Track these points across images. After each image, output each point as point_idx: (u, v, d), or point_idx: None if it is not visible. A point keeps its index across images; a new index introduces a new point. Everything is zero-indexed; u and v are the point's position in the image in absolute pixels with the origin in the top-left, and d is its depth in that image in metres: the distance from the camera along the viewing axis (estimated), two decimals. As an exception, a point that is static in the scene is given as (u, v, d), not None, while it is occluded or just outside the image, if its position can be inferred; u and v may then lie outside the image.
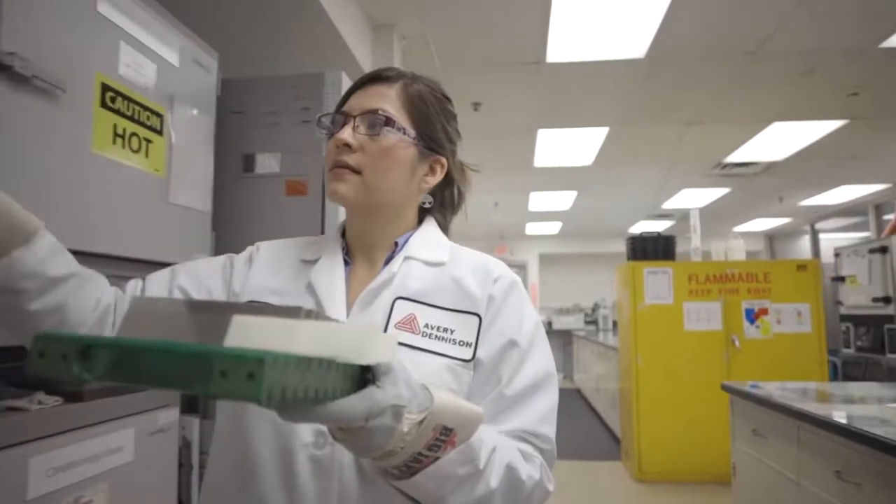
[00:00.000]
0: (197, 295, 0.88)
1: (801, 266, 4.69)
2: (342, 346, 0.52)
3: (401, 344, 0.78)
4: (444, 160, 0.92)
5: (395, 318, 0.83)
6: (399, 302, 0.84)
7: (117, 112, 1.27)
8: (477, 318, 0.84)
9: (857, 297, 6.46)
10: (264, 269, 0.90)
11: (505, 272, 0.90)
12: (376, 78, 0.89)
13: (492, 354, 0.83)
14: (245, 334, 0.47)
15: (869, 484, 1.64)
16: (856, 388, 2.73)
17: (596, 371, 7.49)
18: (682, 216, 8.86)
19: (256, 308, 0.53)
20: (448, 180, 0.95)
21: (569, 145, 5.27)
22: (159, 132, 1.41)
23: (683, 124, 4.72)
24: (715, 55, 3.47)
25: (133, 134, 1.32)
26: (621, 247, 5.30)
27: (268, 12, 2.47)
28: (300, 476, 0.75)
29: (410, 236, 0.92)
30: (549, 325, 11.49)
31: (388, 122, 0.84)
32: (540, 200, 7.82)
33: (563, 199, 7.78)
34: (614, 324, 6.63)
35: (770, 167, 6.04)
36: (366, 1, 2.91)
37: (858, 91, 3.96)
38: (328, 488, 0.75)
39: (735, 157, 5.67)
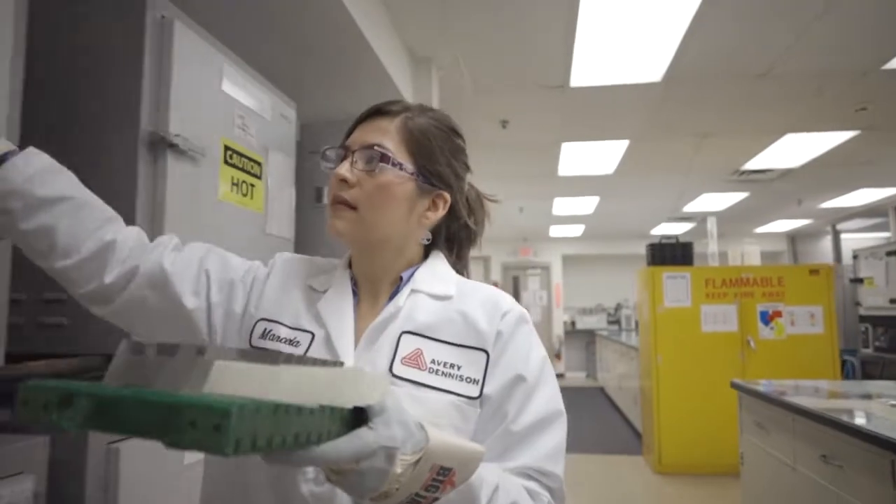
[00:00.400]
0: (218, 284, 0.88)
1: (814, 270, 4.92)
2: (324, 391, 0.52)
3: (406, 380, 0.77)
4: (446, 195, 0.89)
5: (401, 353, 0.80)
6: (405, 336, 0.81)
7: (234, 166, 1.62)
8: (485, 355, 0.82)
9: (875, 299, 6.66)
10: (279, 286, 0.90)
11: (513, 307, 0.87)
12: (378, 112, 0.88)
13: (498, 390, 0.80)
14: (225, 381, 0.46)
15: (849, 466, 1.93)
16: (869, 386, 2.94)
17: (618, 370, 7.75)
18: (703, 219, 9.01)
19: (247, 353, 0.57)
20: (454, 215, 0.92)
21: (591, 156, 5.55)
22: (259, 177, 1.76)
23: (699, 137, 4.99)
24: (727, 78, 3.74)
25: (243, 181, 1.67)
26: (643, 248, 5.55)
27: (318, 51, 2.80)
28: None
29: (416, 270, 0.89)
30: (572, 324, 11.77)
31: (384, 158, 0.82)
32: (563, 205, 8.10)
33: (585, 204, 8.05)
34: (636, 324, 6.88)
35: (786, 173, 6.25)
36: (407, 37, 3.25)
37: (867, 106, 4.19)
38: None
39: (751, 164, 5.89)
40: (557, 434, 0.81)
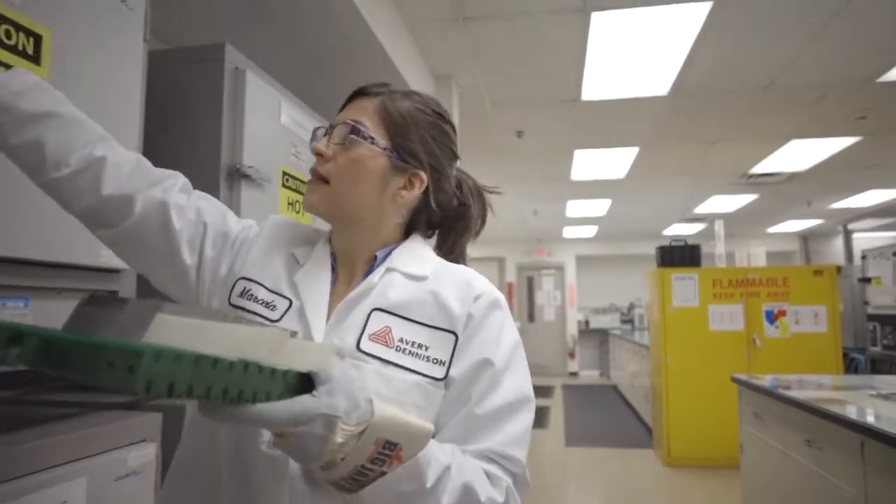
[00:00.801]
0: (212, 239, 0.88)
1: (818, 271, 5.11)
2: (268, 355, 0.54)
3: (373, 356, 0.77)
4: (422, 175, 0.88)
5: (369, 330, 0.80)
6: (375, 313, 0.81)
7: (290, 188, 1.90)
8: (454, 337, 0.81)
9: (883, 298, 6.84)
10: (265, 249, 0.89)
11: (487, 290, 0.86)
12: (360, 92, 0.90)
13: (464, 372, 0.80)
14: (162, 333, 0.47)
15: (828, 448, 2.17)
16: (870, 380, 3.13)
17: (630, 368, 7.96)
18: (713, 219, 9.23)
19: (207, 312, 0.62)
20: (438, 202, 0.92)
21: (603, 162, 5.79)
22: (308, 196, 2.04)
23: (707, 144, 5.21)
24: (731, 90, 3.97)
25: (296, 201, 1.95)
26: (655, 248, 5.74)
27: (352, 75, 3.07)
28: (255, 472, 0.74)
29: (392, 249, 0.89)
30: (586, 324, 11.98)
31: (355, 131, 0.83)
32: (576, 207, 8.32)
33: (598, 206, 8.27)
34: (649, 322, 7.11)
35: (794, 176, 6.43)
36: (430, 58, 3.51)
37: (866, 115, 4.39)
38: (279, 487, 0.73)
39: (759, 168, 6.08)
40: (523, 420, 0.80)
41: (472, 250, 1.01)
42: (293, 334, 0.63)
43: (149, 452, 1.09)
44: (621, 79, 3.79)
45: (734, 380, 3.20)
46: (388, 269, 0.85)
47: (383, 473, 0.61)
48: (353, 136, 0.83)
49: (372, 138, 0.83)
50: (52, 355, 0.46)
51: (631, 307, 11.62)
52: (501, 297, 0.87)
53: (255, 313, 0.82)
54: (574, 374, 11.62)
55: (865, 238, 9.37)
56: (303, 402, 0.56)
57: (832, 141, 5.13)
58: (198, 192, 0.91)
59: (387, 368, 0.77)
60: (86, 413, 1.10)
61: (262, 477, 0.74)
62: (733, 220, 9.33)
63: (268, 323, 0.79)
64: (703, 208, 8.42)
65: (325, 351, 0.66)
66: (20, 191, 0.89)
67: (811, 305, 5.02)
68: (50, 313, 1.05)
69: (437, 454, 0.69)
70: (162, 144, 1.63)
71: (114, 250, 0.89)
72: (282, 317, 0.82)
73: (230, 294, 0.85)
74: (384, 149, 0.84)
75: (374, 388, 0.72)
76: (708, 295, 5.11)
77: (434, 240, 1.00)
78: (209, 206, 0.90)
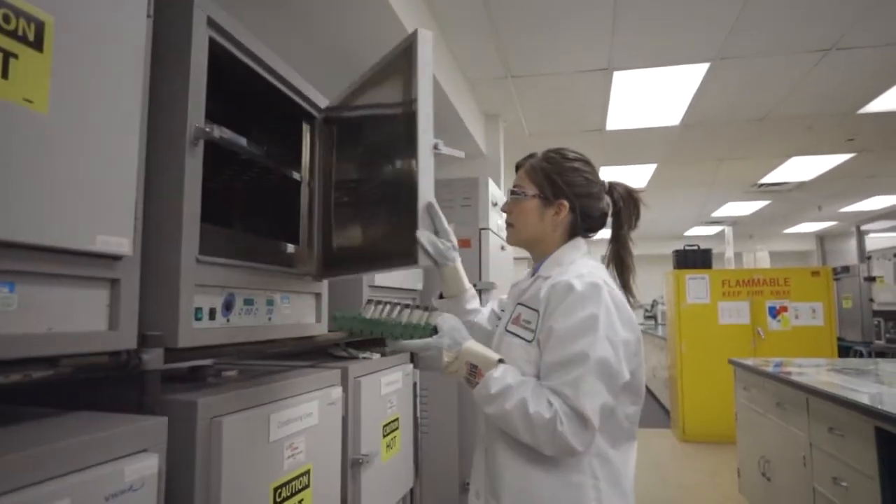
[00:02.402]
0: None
1: (815, 272, 5.83)
2: (420, 320, 1.30)
3: (512, 333, 1.27)
4: (564, 202, 1.30)
5: (513, 317, 1.29)
6: (518, 306, 1.30)
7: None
8: (537, 313, 1.22)
9: (886, 295, 7.47)
10: None
11: (561, 279, 1.19)
12: (517, 167, 1.41)
13: (541, 337, 1.19)
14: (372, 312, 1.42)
15: (791, 407, 2.95)
16: (855, 363, 3.77)
17: (652, 360, 8.69)
18: (731, 222, 9.90)
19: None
20: (585, 212, 1.32)
21: (625, 176, 6.56)
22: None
23: (717, 161, 5.95)
24: (732, 122, 4.73)
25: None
26: (676, 248, 6.42)
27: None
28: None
29: (544, 261, 1.32)
30: (611, 319, 12.60)
31: (514, 193, 1.34)
32: (602, 213, 9.04)
33: (622, 212, 8.98)
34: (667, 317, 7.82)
35: (801, 185, 7.10)
36: (482, 102, 4.33)
37: (853, 138, 5.09)
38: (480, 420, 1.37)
39: (767, 179, 6.77)
40: (577, 371, 1.09)
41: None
42: (432, 310, 1.38)
43: (150, 465, 0.99)
44: (639, 115, 4.58)
45: (731, 362, 3.97)
46: (537, 277, 1.32)
47: (477, 382, 1.15)
48: (514, 196, 1.36)
49: (524, 192, 1.34)
50: (364, 327, 1.37)
51: (654, 304, 12.22)
52: (579, 283, 1.15)
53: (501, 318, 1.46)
54: (600, 367, 12.27)
55: (879, 238, 9.90)
56: (426, 340, 1.19)
57: (830, 157, 5.82)
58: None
59: (510, 337, 1.27)
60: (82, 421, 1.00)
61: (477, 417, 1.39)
62: (751, 223, 9.98)
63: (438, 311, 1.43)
64: (720, 212, 9.09)
65: (448, 318, 1.24)
66: (8, 169, 0.85)
67: (810, 302, 5.73)
68: (39, 299, 0.93)
69: (505, 376, 1.13)
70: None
71: None
72: (502, 319, 1.42)
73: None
74: (533, 195, 1.33)
75: (506, 350, 1.25)
76: (718, 293, 5.86)
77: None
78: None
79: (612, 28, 3.14)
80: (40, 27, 0.93)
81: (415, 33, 1.36)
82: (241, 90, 1.70)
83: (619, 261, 1.33)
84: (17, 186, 0.88)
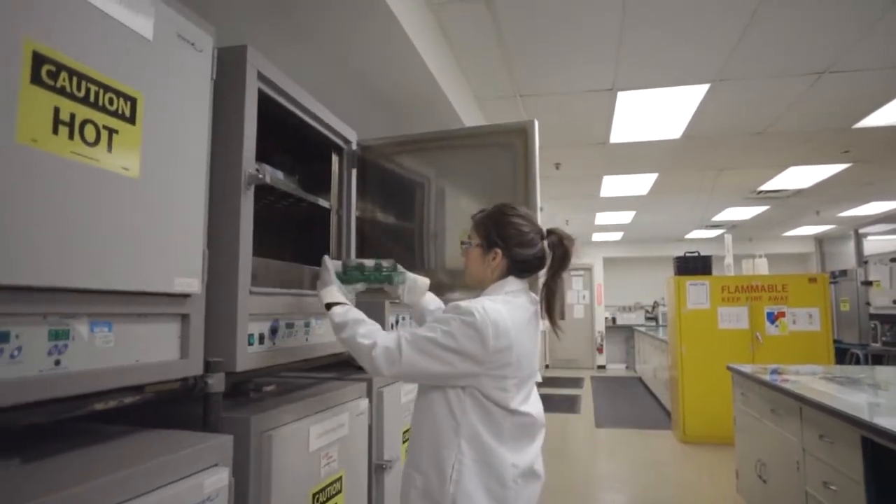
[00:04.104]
0: None
1: (812, 279, 5.98)
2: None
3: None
4: (497, 251, 1.55)
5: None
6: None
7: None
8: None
9: (883, 299, 7.63)
10: None
11: (461, 303, 1.45)
12: (472, 219, 1.67)
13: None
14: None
15: (784, 412, 3.11)
16: (850, 370, 3.94)
17: (653, 362, 8.87)
18: (730, 226, 10.07)
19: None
20: (515, 258, 1.55)
21: (628, 183, 6.72)
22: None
23: (716, 170, 6.10)
24: (732, 135, 4.88)
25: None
26: (677, 250, 6.60)
27: (431, 126, 4.03)
28: None
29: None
30: (612, 321, 12.87)
31: (462, 242, 1.67)
32: (604, 217, 9.24)
33: (623, 216, 9.17)
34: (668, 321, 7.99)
35: (799, 192, 7.25)
36: (490, 118, 4.48)
37: (849, 150, 5.24)
38: None
39: (766, 186, 6.92)
40: (425, 335, 1.43)
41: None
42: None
43: (222, 477, 1.16)
44: (642, 129, 4.73)
45: (729, 368, 4.13)
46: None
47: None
48: (462, 245, 1.68)
49: (470, 242, 1.64)
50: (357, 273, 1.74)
51: (655, 305, 12.41)
52: (464, 304, 1.44)
53: None
54: (602, 368, 12.54)
55: (877, 241, 10.04)
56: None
57: (826, 167, 5.97)
58: None
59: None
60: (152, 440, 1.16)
61: None
62: (750, 226, 10.14)
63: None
64: (720, 217, 9.25)
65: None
66: (106, 231, 1.02)
67: (807, 308, 5.88)
68: (130, 336, 1.11)
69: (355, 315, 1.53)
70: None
71: None
72: None
73: None
74: (477, 244, 1.61)
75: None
76: (717, 299, 6.02)
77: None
78: None
79: (617, 51, 3.29)
80: (133, 103, 1.10)
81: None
82: (279, 127, 1.85)
83: (549, 292, 1.55)
84: (114, 243, 1.05)
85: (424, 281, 1.84)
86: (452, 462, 1.42)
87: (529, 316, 1.54)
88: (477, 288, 1.65)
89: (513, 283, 1.57)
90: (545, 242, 1.58)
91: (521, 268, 1.58)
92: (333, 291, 1.62)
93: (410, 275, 1.81)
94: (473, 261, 1.62)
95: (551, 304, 1.56)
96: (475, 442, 1.43)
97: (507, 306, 1.48)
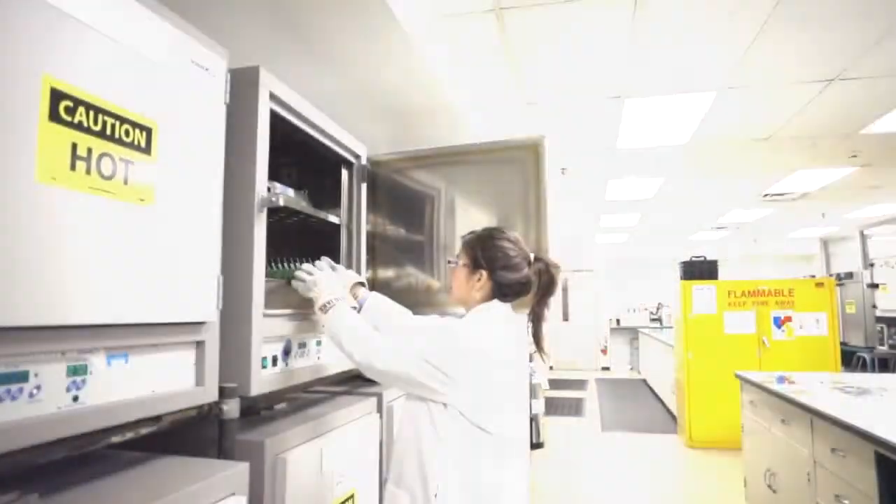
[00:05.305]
0: None
1: (820, 283, 5.96)
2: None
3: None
4: (483, 272, 1.57)
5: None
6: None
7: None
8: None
9: (889, 302, 7.60)
10: None
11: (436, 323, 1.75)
12: (462, 239, 1.70)
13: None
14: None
15: (793, 423, 3.09)
16: (857, 378, 3.92)
17: (658, 364, 8.84)
18: (736, 227, 10.02)
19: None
20: (500, 281, 1.56)
21: (633, 188, 6.69)
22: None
23: (723, 174, 6.07)
24: (739, 140, 4.86)
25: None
26: (682, 252, 6.58)
27: (442, 134, 4.02)
28: None
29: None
30: (617, 322, 12.85)
31: (450, 262, 1.69)
32: (609, 220, 9.21)
33: (629, 219, 9.14)
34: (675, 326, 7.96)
35: (805, 195, 7.21)
36: (499, 125, 4.48)
37: (857, 154, 5.21)
38: None
39: (772, 189, 6.89)
40: (407, 342, 1.52)
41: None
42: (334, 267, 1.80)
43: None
44: (649, 135, 4.71)
45: (737, 376, 4.11)
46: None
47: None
48: (449, 263, 1.72)
49: (457, 262, 1.66)
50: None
51: (659, 307, 12.43)
52: (445, 322, 1.75)
53: None
54: (606, 369, 12.52)
55: (883, 242, 10.00)
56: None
57: (833, 170, 5.94)
58: None
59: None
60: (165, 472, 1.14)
61: None
62: (756, 228, 10.09)
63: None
64: (725, 219, 9.21)
65: (326, 276, 1.69)
66: (123, 265, 1.01)
67: (813, 312, 5.86)
68: (146, 366, 1.10)
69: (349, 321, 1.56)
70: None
71: None
72: None
73: None
74: (463, 264, 1.62)
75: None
76: (724, 303, 6.00)
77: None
78: None
79: (626, 60, 3.28)
80: (149, 133, 1.08)
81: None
82: (289, 143, 1.84)
83: (535, 317, 1.60)
84: (130, 276, 1.04)
85: (342, 277, 1.82)
86: (436, 480, 1.42)
87: (511, 338, 1.58)
88: (460, 306, 1.69)
89: (496, 307, 1.59)
90: (531, 269, 1.60)
91: (506, 291, 1.59)
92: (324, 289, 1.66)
93: (320, 273, 1.69)
94: (459, 280, 1.64)
95: (537, 329, 1.61)
96: (458, 460, 1.44)
97: (488, 327, 1.54)
